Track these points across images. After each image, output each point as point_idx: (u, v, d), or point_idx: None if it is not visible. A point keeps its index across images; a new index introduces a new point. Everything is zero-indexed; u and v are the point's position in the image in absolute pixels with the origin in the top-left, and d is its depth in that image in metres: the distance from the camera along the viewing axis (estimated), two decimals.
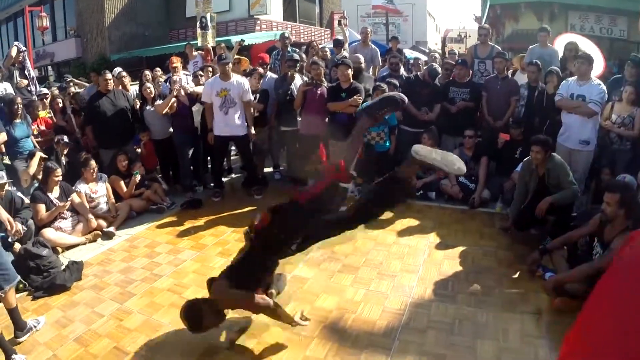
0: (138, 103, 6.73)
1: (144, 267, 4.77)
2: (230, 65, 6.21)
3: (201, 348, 3.41)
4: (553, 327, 3.43)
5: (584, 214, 4.92)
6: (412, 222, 5.49)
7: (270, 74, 7.28)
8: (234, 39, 12.38)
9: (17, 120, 6.00)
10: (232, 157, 7.95)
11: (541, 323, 3.51)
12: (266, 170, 7.43)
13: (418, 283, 4.14)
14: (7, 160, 5.96)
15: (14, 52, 7.39)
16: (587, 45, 6.87)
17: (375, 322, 3.63)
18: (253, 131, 6.33)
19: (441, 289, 4.03)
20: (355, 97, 5.98)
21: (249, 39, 14.26)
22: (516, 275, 4.21)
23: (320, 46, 8.56)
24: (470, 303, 3.80)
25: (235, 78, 6.13)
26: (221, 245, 5.16)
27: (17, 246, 4.59)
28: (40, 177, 5.46)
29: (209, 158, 7.30)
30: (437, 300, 3.88)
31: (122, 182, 6.06)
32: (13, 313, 3.56)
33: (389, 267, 4.46)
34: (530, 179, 4.81)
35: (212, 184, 6.86)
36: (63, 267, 4.62)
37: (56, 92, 8.15)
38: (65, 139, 6.30)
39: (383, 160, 6.14)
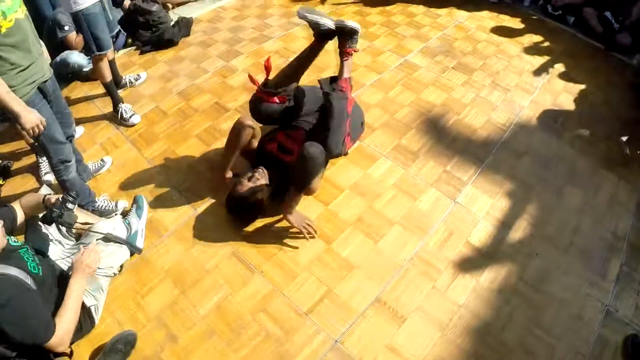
0: None
1: (254, 27, 4.66)
2: None
3: None
4: None
5: None
6: (541, 39, 4.95)
7: None
8: None
9: None
10: None
11: (634, 196, 3.29)
12: None
13: (530, 105, 3.93)
14: None
15: None
16: None
17: (477, 130, 3.57)
18: None
19: (550, 120, 3.82)
20: None
21: None
22: (628, 137, 3.85)
23: None
24: (573, 145, 3.61)
25: None
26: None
27: (127, 2, 4.49)
28: None
29: None
30: (543, 129, 3.71)
31: None
32: (112, 65, 3.58)
33: (504, 79, 4.20)
34: None
35: None
36: (172, 23, 4.58)
37: None
38: None
39: None
